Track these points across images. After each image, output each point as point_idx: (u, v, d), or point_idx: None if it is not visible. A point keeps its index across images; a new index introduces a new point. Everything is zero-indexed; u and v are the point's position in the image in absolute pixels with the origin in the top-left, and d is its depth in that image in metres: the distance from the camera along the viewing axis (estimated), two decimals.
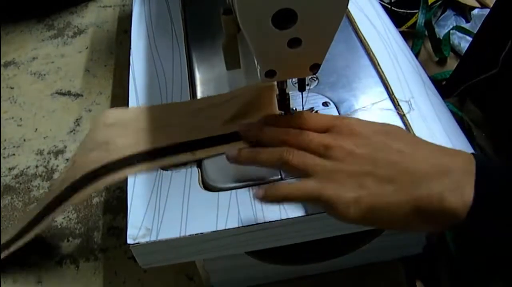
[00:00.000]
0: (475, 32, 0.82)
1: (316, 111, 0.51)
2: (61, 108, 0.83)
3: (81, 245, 0.63)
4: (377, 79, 0.54)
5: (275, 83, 0.44)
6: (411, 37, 0.86)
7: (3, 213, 0.67)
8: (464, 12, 0.89)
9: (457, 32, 0.84)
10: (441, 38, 0.85)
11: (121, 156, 0.46)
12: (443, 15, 0.89)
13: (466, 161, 0.36)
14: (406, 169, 0.36)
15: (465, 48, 0.81)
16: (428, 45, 0.85)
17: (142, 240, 0.41)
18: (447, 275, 0.54)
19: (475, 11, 0.85)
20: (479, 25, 0.82)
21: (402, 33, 0.73)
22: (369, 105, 0.51)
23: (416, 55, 0.83)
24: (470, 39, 0.82)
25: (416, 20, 0.88)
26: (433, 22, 0.87)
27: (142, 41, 0.63)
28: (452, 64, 0.80)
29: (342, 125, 0.41)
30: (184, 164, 0.47)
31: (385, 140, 0.39)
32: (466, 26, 0.85)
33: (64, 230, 0.65)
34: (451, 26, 0.86)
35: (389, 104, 0.51)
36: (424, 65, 0.80)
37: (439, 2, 0.89)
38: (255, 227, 0.42)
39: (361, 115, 0.50)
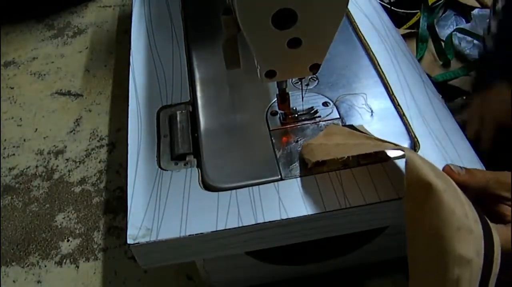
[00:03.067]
0: (476, 33, 0.82)
1: (316, 111, 0.51)
2: (61, 108, 0.83)
3: (81, 245, 0.63)
4: (377, 79, 0.54)
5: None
6: (411, 37, 0.86)
7: (3, 213, 0.67)
8: (464, 12, 0.89)
9: (457, 33, 0.84)
10: (442, 39, 0.85)
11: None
12: (443, 15, 0.89)
13: None
14: None
15: (466, 49, 0.81)
16: (432, 48, 0.85)
17: (142, 240, 0.41)
18: None
19: (475, 11, 0.84)
20: (479, 25, 0.82)
21: (404, 35, 0.73)
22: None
23: (421, 59, 0.83)
24: (470, 39, 0.82)
25: (417, 21, 0.88)
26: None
27: (142, 41, 0.63)
28: (455, 66, 0.80)
29: None
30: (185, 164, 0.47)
31: None
32: (466, 26, 0.85)
33: (64, 230, 0.65)
34: (451, 26, 0.86)
35: (389, 104, 0.51)
36: (429, 68, 0.80)
37: (440, 3, 0.89)
38: (255, 227, 0.42)
39: (361, 115, 0.50)
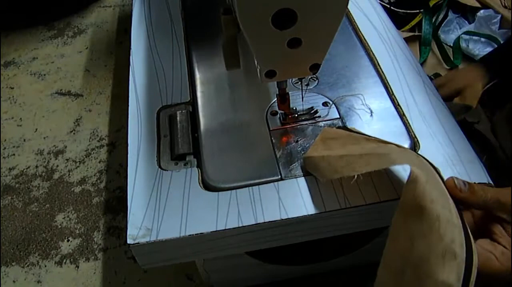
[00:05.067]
0: (480, 33, 0.81)
1: (316, 111, 0.51)
2: (61, 108, 0.83)
3: (81, 245, 0.63)
4: (377, 79, 0.54)
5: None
6: (414, 41, 0.86)
7: (3, 213, 0.67)
8: (465, 13, 0.89)
9: (463, 35, 0.83)
10: (448, 44, 0.84)
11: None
12: (446, 20, 0.88)
13: None
14: None
15: (474, 49, 0.81)
16: (436, 50, 0.84)
17: (142, 240, 0.41)
18: None
19: (481, 13, 0.84)
20: (485, 26, 0.82)
21: (407, 39, 0.73)
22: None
23: (424, 62, 0.82)
24: (476, 38, 0.81)
25: (418, 22, 0.88)
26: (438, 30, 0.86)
27: (142, 41, 0.63)
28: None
29: None
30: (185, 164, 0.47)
31: None
32: (470, 27, 0.84)
33: (64, 230, 0.65)
34: (455, 30, 0.86)
35: (389, 104, 0.51)
36: (433, 71, 0.80)
37: (440, 3, 0.89)
38: (255, 227, 0.42)
39: (361, 115, 0.50)
